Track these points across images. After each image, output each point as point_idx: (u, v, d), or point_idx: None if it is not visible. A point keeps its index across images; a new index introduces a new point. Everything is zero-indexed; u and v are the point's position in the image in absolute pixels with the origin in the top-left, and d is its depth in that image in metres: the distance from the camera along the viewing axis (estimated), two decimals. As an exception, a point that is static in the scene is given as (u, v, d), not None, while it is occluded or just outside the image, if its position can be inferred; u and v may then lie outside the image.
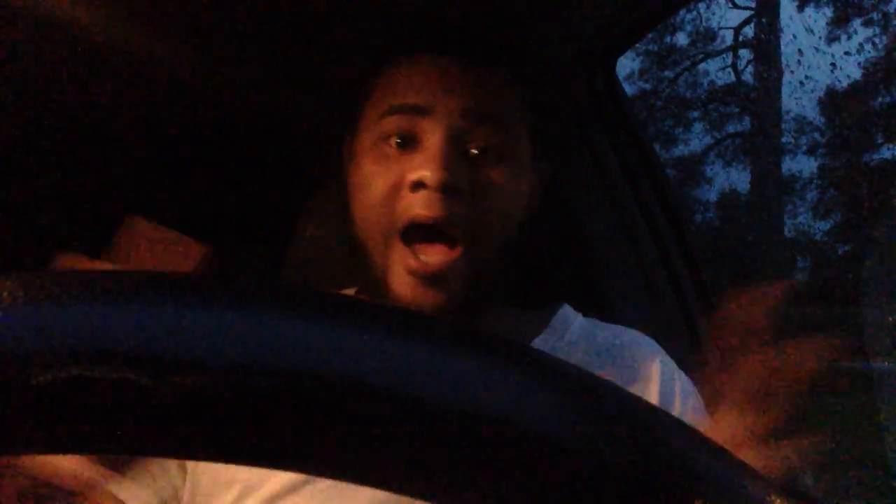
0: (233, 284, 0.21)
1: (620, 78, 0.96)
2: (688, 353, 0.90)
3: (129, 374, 0.18)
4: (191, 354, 0.18)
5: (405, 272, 0.53)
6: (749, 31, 7.99)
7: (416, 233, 0.53)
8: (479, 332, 0.22)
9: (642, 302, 0.92)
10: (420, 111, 0.56)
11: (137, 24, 0.71)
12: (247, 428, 0.19)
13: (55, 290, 0.19)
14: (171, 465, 0.59)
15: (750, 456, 0.36)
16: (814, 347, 0.41)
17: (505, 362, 0.21)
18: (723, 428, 0.42)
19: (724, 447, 0.21)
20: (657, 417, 0.21)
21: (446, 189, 0.52)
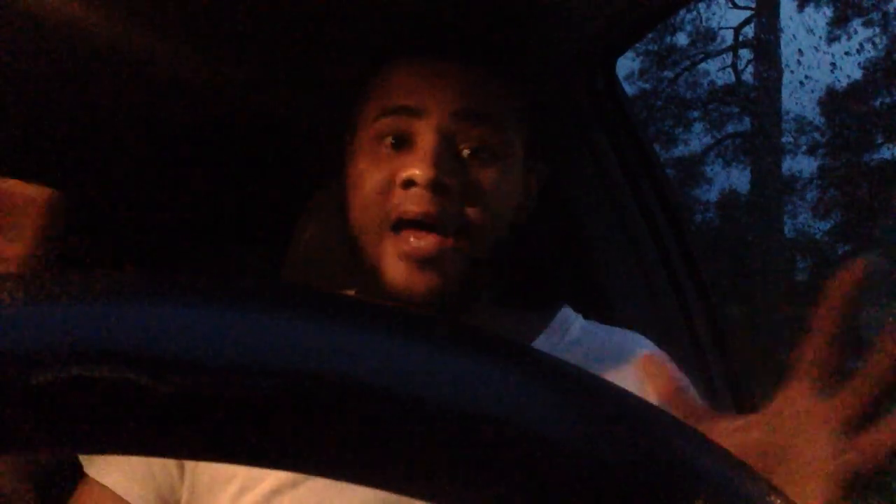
0: (233, 284, 0.21)
1: (620, 78, 0.96)
2: (688, 353, 0.90)
3: (129, 374, 0.18)
4: (191, 354, 0.18)
5: (398, 258, 0.54)
6: (749, 31, 8.00)
7: (406, 226, 0.55)
8: (479, 332, 0.22)
9: (642, 302, 0.92)
10: (413, 112, 0.57)
11: (137, 24, 0.71)
12: (247, 428, 0.19)
13: (55, 290, 0.19)
14: (171, 462, 0.59)
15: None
16: None
17: (505, 362, 0.21)
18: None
19: (723, 447, 0.21)
20: (657, 417, 0.21)
21: (436, 187, 0.53)
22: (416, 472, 0.20)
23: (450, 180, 0.54)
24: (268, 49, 0.79)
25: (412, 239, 0.54)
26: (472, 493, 0.19)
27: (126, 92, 0.83)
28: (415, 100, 0.57)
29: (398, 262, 0.54)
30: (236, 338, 0.19)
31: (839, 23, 7.04)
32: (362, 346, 0.20)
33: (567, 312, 0.68)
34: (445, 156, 0.55)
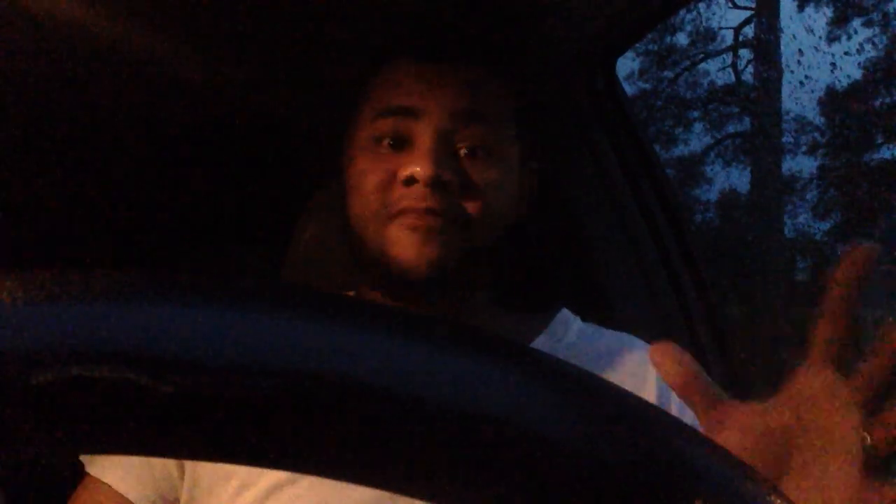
0: (233, 284, 0.21)
1: (620, 78, 0.96)
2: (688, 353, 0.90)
3: (129, 374, 0.18)
4: (191, 354, 0.18)
5: (404, 232, 0.56)
6: (749, 31, 7.99)
7: (409, 212, 0.56)
8: (479, 332, 0.22)
9: (642, 302, 0.92)
10: (411, 113, 0.58)
11: (137, 24, 0.71)
12: (247, 428, 0.19)
13: (55, 290, 0.19)
14: (171, 461, 0.59)
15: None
16: None
17: (505, 362, 0.21)
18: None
19: (724, 447, 0.21)
20: (657, 417, 0.21)
21: (436, 184, 0.55)
22: (416, 472, 0.20)
23: (449, 177, 0.56)
24: (268, 49, 0.79)
25: (415, 216, 0.56)
26: (472, 493, 0.19)
27: (126, 92, 0.83)
28: (413, 100, 0.58)
29: (402, 237, 0.56)
30: (236, 338, 0.19)
31: (839, 23, 7.04)
32: (362, 346, 0.20)
33: (565, 315, 0.68)
34: (444, 154, 0.57)
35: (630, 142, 0.95)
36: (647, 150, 0.96)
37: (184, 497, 0.59)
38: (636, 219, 0.94)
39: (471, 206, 0.57)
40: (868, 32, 6.95)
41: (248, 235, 1.06)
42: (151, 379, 0.18)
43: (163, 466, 0.59)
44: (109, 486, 0.59)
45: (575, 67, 0.89)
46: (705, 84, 8.47)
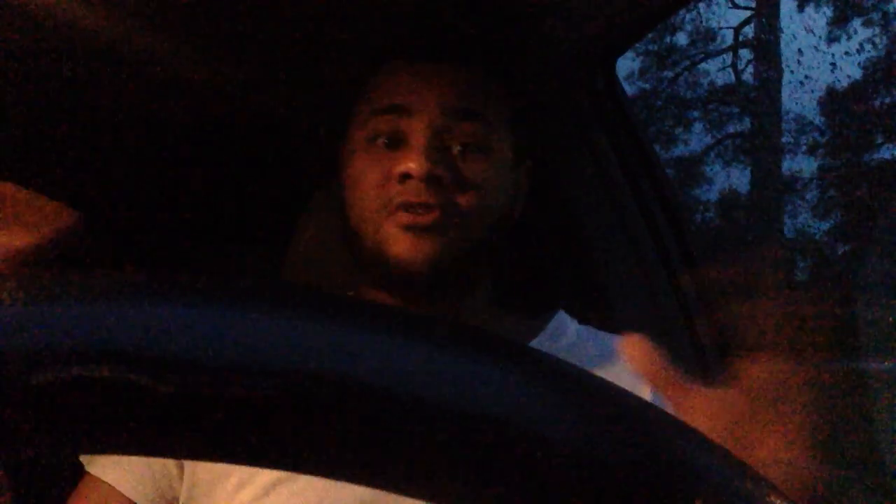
0: (233, 284, 0.21)
1: (620, 78, 0.96)
2: (688, 353, 0.90)
3: (129, 374, 0.18)
4: (191, 354, 0.18)
5: (400, 230, 0.57)
6: (749, 31, 7.99)
7: (406, 207, 0.58)
8: (480, 333, 0.22)
9: (642, 302, 0.92)
10: (405, 111, 0.59)
11: (137, 24, 0.71)
12: (247, 428, 0.19)
13: (55, 290, 0.19)
14: (170, 459, 0.59)
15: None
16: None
17: (505, 362, 0.21)
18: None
19: (724, 447, 0.21)
20: (657, 417, 0.21)
21: (430, 179, 0.57)
22: (416, 473, 0.20)
23: (442, 172, 0.57)
24: (267, 49, 0.79)
25: (411, 213, 0.57)
26: (472, 493, 0.19)
27: (126, 92, 0.83)
28: (407, 99, 0.60)
29: (399, 235, 0.57)
30: (236, 338, 0.19)
31: (839, 23, 7.04)
32: (362, 347, 0.20)
33: (562, 317, 0.69)
34: (437, 151, 0.58)
35: (630, 142, 0.95)
36: (647, 150, 0.96)
37: (183, 495, 0.59)
38: (636, 219, 0.94)
39: (464, 201, 0.58)
40: (868, 32, 6.95)
41: (248, 235, 1.06)
42: (151, 379, 0.18)
43: (162, 465, 0.60)
44: (109, 485, 0.59)
45: (575, 67, 0.89)
46: (705, 84, 8.47)
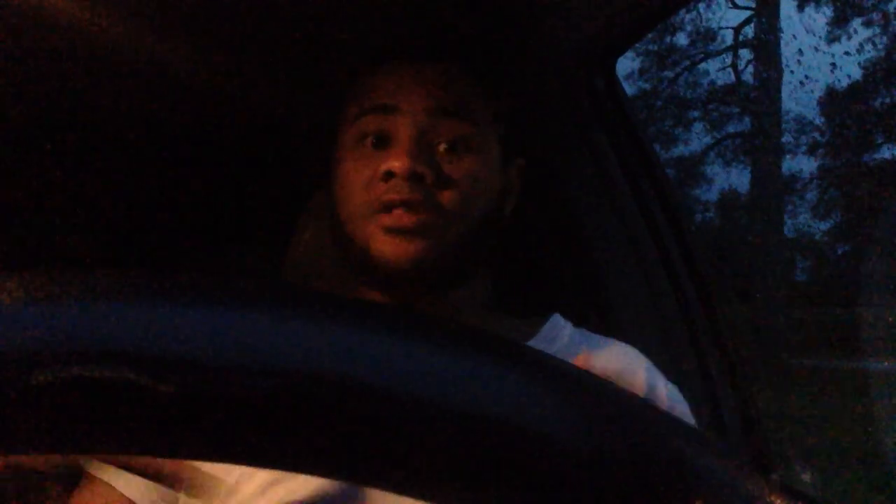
0: (232, 284, 0.21)
1: (620, 78, 0.96)
2: (688, 353, 0.90)
3: (129, 374, 0.18)
4: (191, 354, 0.18)
5: (383, 232, 0.59)
6: (749, 31, 8.00)
7: (390, 207, 0.59)
8: (480, 333, 0.22)
9: (642, 302, 0.92)
10: (391, 110, 0.61)
11: (137, 24, 0.71)
12: (247, 428, 0.19)
13: (55, 290, 0.19)
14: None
15: None
16: None
17: (505, 362, 0.21)
18: None
19: (724, 447, 0.21)
20: (657, 417, 0.21)
21: (413, 177, 0.58)
22: (417, 473, 0.20)
23: (424, 170, 0.58)
24: (267, 49, 0.79)
25: (394, 214, 0.59)
26: (473, 492, 0.19)
27: (126, 92, 0.83)
28: (393, 99, 0.61)
29: (384, 237, 0.59)
30: (236, 338, 0.19)
31: (839, 23, 7.04)
32: (362, 347, 0.20)
33: (557, 320, 0.69)
34: (420, 149, 0.59)
35: (630, 142, 0.95)
36: (647, 150, 0.96)
37: (182, 495, 0.59)
38: (636, 219, 0.94)
39: (446, 199, 0.59)
40: (868, 32, 6.95)
41: (248, 235, 1.06)
42: (151, 379, 0.18)
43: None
44: (109, 486, 0.59)
45: (575, 67, 0.89)
46: (705, 84, 8.48)
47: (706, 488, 0.19)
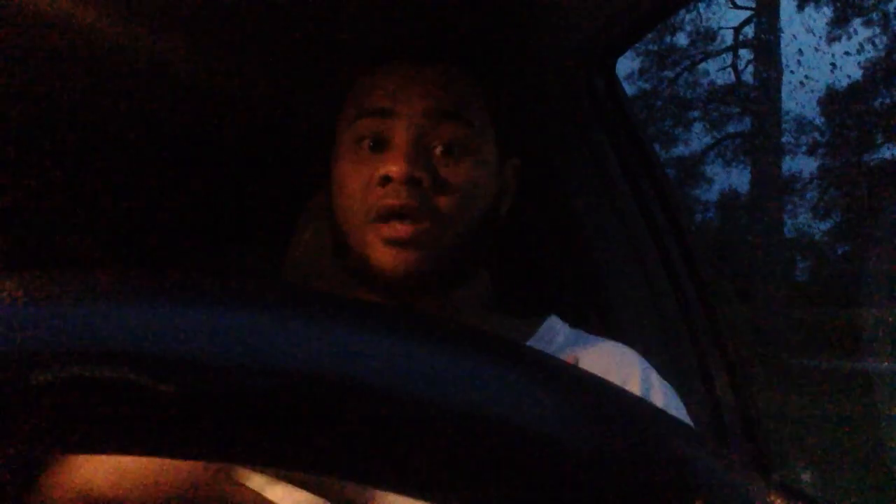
0: (233, 284, 0.21)
1: (620, 78, 0.96)
2: (688, 352, 0.90)
3: (129, 374, 0.18)
4: (191, 354, 0.18)
5: (382, 243, 0.59)
6: (749, 31, 8.00)
7: (387, 216, 0.59)
8: (480, 333, 0.22)
9: (642, 302, 0.92)
10: (388, 113, 0.61)
11: (137, 24, 0.71)
12: (247, 428, 0.19)
13: (55, 290, 0.19)
14: None
15: None
16: None
17: (505, 362, 0.21)
18: None
19: (724, 447, 0.21)
20: (657, 417, 0.21)
21: (410, 181, 0.58)
22: (417, 473, 0.20)
23: (421, 175, 0.58)
24: (267, 49, 0.79)
25: (392, 226, 0.59)
26: (472, 492, 0.19)
27: (126, 92, 0.83)
28: (390, 102, 0.61)
29: (382, 247, 0.59)
30: (236, 338, 0.19)
31: (839, 23, 7.04)
32: (362, 347, 0.20)
33: (554, 321, 0.69)
34: (418, 153, 0.59)
35: (630, 142, 0.95)
36: (647, 150, 0.96)
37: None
38: (636, 219, 0.94)
39: (444, 204, 0.60)
40: (868, 32, 6.96)
41: (248, 235, 1.06)
42: (152, 379, 0.18)
43: None
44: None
45: (575, 67, 0.89)
46: (705, 84, 8.48)
47: (706, 488, 0.19)
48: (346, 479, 0.20)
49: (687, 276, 0.93)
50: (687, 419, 0.61)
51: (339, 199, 0.63)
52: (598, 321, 0.89)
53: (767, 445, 0.92)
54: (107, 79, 0.80)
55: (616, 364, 0.64)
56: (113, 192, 0.96)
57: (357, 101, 0.63)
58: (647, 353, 0.67)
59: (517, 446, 0.19)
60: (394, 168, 0.58)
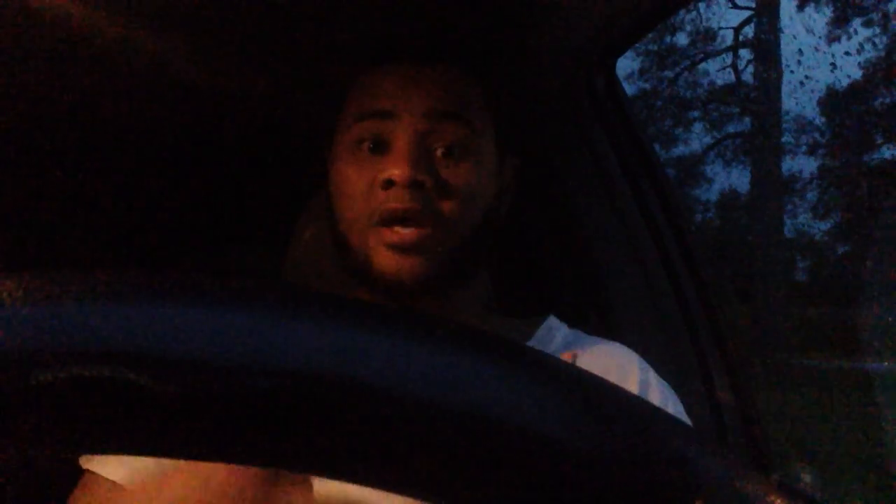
0: (233, 284, 0.21)
1: (620, 78, 0.96)
2: (688, 352, 0.90)
3: (129, 374, 0.18)
4: (191, 354, 0.18)
5: (385, 248, 0.59)
6: (749, 31, 8.00)
7: (390, 220, 0.59)
8: (480, 333, 0.22)
9: (642, 302, 0.92)
10: (388, 115, 0.60)
11: (137, 24, 0.71)
12: (247, 428, 0.19)
13: (55, 290, 0.19)
14: None
15: None
16: None
17: (506, 362, 0.21)
18: None
19: (724, 447, 0.21)
20: (657, 417, 0.21)
21: (413, 185, 0.58)
22: (417, 472, 0.20)
23: (424, 178, 0.58)
24: (267, 49, 0.79)
25: (395, 231, 0.58)
26: (472, 492, 0.19)
27: (126, 93, 0.83)
28: (389, 103, 0.60)
29: (385, 252, 0.59)
30: (236, 338, 0.19)
31: (839, 23, 7.04)
32: (362, 347, 0.20)
33: (552, 322, 0.69)
34: (420, 155, 0.59)
35: (630, 142, 0.95)
36: (647, 150, 0.96)
37: None
38: (636, 219, 0.94)
39: (446, 207, 0.59)
40: (868, 32, 6.95)
41: (248, 235, 1.06)
42: (152, 379, 0.18)
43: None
44: (109, 480, 0.59)
45: (575, 67, 0.89)
46: (705, 84, 8.48)
47: (706, 488, 0.19)
48: (347, 480, 0.20)
49: (687, 276, 0.93)
50: (686, 418, 0.61)
51: (340, 202, 0.62)
52: (598, 321, 0.89)
53: (767, 445, 0.92)
54: (107, 79, 0.80)
55: (614, 364, 0.64)
56: (113, 192, 0.96)
57: (357, 102, 0.62)
58: (646, 353, 0.67)
59: (517, 446, 0.19)
60: (396, 171, 0.57)
